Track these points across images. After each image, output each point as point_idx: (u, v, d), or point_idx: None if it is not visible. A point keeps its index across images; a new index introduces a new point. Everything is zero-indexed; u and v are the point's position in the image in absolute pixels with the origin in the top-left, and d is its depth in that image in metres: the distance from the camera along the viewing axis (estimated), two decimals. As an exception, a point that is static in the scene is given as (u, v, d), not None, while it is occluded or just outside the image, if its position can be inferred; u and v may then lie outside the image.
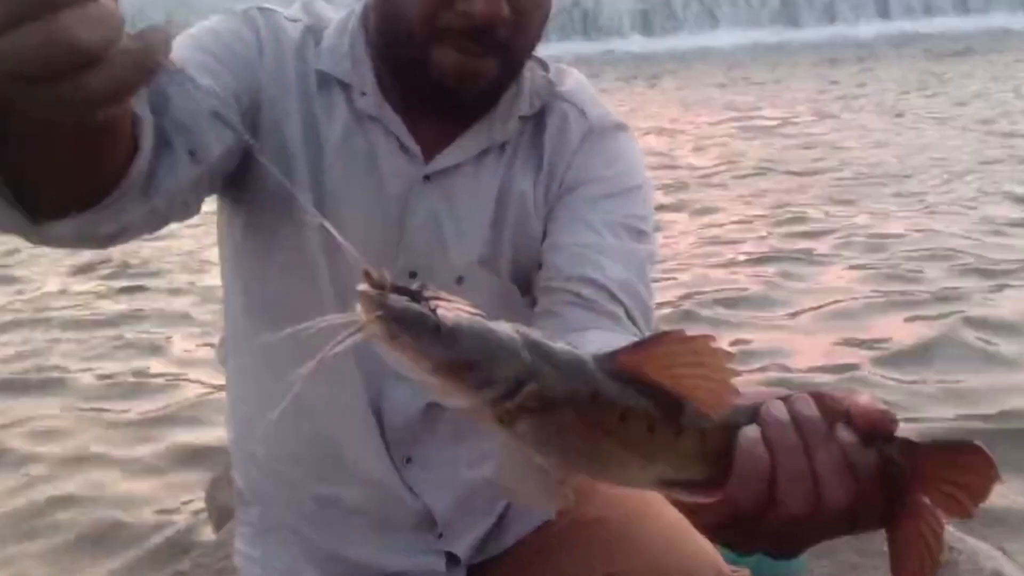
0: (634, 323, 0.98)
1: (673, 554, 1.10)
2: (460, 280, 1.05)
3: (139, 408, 3.57)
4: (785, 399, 0.60)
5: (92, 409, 3.60)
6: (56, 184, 0.70)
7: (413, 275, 1.03)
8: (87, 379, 3.89)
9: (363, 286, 0.54)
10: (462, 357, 0.54)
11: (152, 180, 0.81)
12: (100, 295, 5.14)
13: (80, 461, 3.17)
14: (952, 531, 1.84)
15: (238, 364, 1.16)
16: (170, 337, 4.34)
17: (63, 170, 0.69)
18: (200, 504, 2.74)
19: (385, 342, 0.53)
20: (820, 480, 0.58)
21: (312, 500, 1.12)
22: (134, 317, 4.69)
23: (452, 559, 1.15)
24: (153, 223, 0.87)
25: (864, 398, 0.59)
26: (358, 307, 0.54)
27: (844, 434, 0.58)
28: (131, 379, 3.87)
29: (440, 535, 1.13)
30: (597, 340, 0.89)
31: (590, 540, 1.14)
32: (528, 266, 1.08)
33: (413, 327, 0.53)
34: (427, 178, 1.04)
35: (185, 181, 0.87)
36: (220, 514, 2.55)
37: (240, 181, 1.02)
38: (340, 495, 1.10)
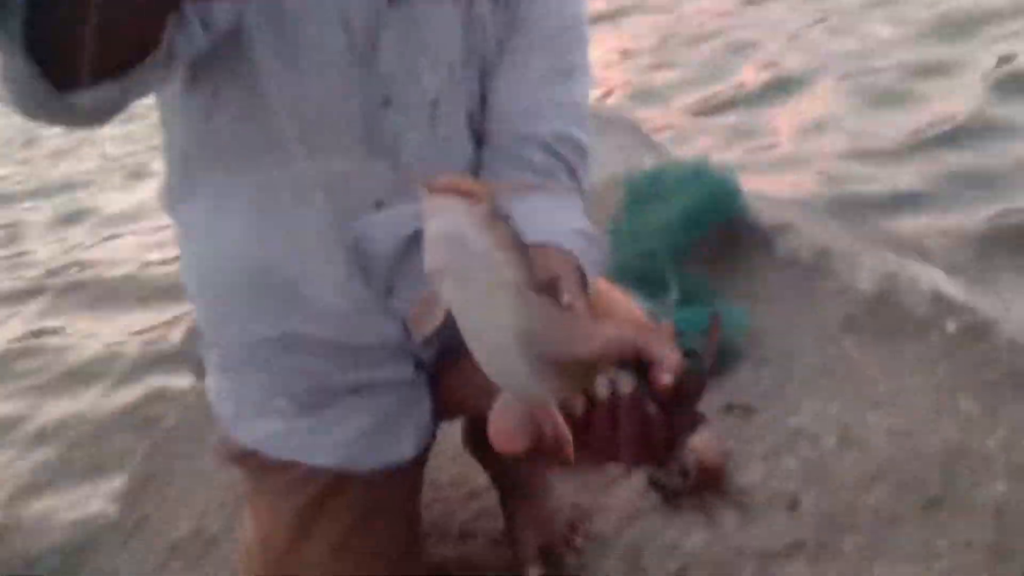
0: (573, 174, 1.09)
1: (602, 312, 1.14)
2: (435, 103, 1.06)
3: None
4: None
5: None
6: (106, 49, 0.72)
7: (387, 102, 1.04)
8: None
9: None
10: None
11: (171, 50, 0.83)
12: None
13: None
14: (892, 258, 1.91)
15: (190, 209, 1.14)
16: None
17: (118, 36, 0.72)
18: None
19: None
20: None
21: (275, 333, 1.13)
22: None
23: (418, 364, 1.20)
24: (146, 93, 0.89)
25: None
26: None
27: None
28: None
29: (417, 345, 1.17)
30: (526, 212, 0.95)
31: None
32: (484, 93, 1.11)
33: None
34: (390, 3, 1.01)
35: (195, 52, 0.89)
36: (199, 368, 2.61)
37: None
38: (304, 327, 1.12)
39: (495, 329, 0.65)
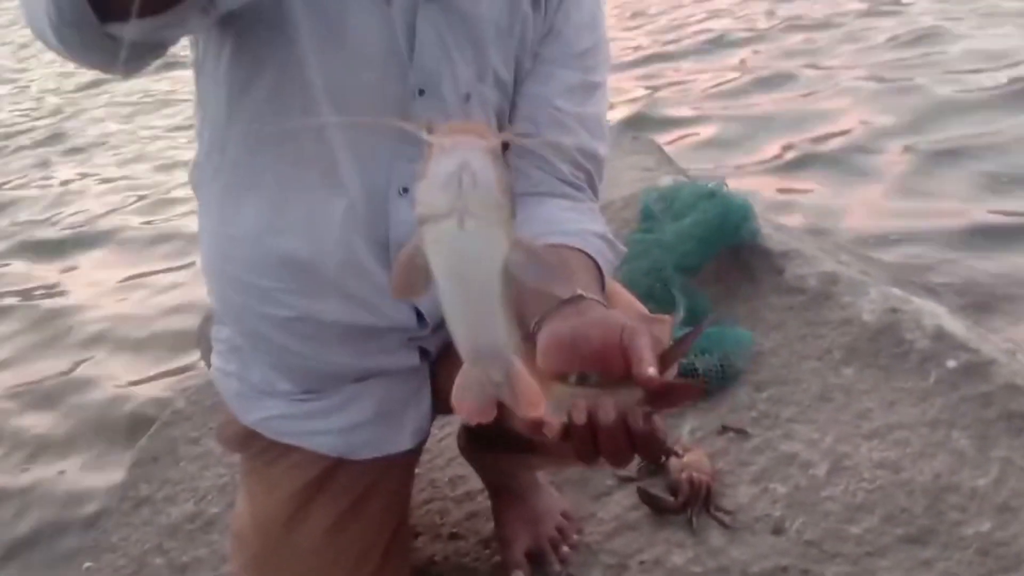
0: (591, 185, 1.18)
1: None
2: (468, 97, 1.11)
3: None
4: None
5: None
6: None
7: (422, 92, 1.08)
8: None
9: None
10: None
11: None
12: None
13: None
14: (897, 292, 1.92)
15: (215, 185, 1.16)
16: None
17: None
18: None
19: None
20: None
21: (287, 314, 1.14)
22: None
23: (424, 353, 1.23)
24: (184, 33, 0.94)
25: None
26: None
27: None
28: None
29: (426, 331, 1.19)
30: (549, 216, 1.09)
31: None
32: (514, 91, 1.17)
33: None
34: None
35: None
36: (210, 349, 2.65)
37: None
38: (317, 310, 1.14)
39: (482, 270, 0.66)
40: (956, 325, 1.80)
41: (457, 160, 0.62)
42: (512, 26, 1.11)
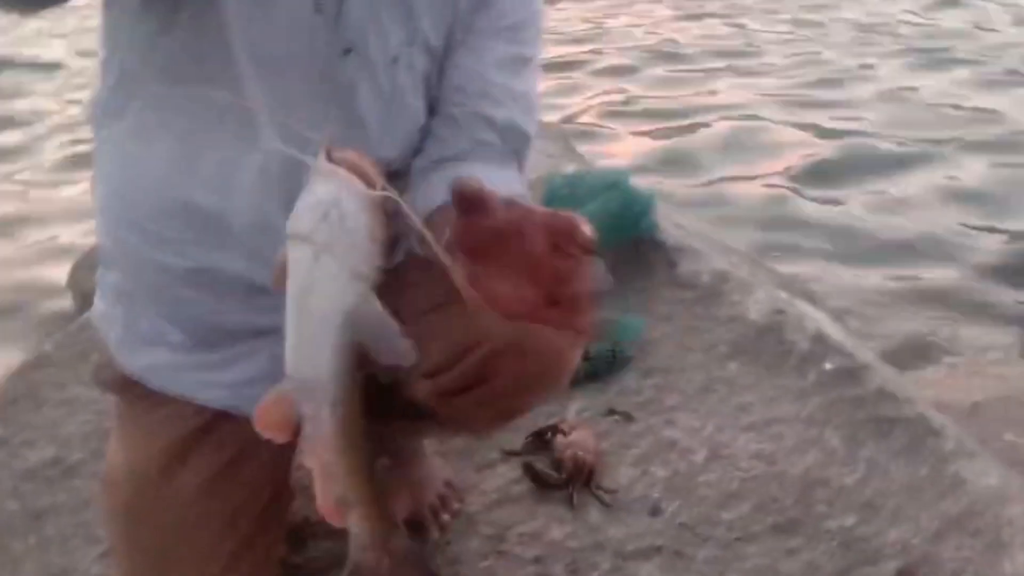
0: (519, 164, 1.15)
1: None
2: (395, 60, 1.06)
3: None
4: None
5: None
6: None
7: (347, 52, 1.03)
8: None
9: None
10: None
11: None
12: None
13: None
14: (783, 295, 2.00)
15: (119, 124, 1.10)
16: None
17: None
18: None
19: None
20: None
21: (187, 265, 1.10)
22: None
23: None
24: None
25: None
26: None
27: None
28: None
29: None
30: (471, 170, 1.04)
31: (439, 274, 1.20)
32: (443, 61, 1.13)
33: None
34: None
35: None
36: (84, 299, 2.53)
37: None
38: (219, 263, 1.09)
39: (327, 309, 0.66)
40: (835, 330, 1.88)
41: (333, 194, 0.62)
42: None
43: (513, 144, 1.14)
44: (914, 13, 6.81)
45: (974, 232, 3.35)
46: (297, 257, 0.65)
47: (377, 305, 0.66)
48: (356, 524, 0.80)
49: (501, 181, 1.05)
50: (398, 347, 0.69)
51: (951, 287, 2.89)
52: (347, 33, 1.03)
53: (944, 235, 3.24)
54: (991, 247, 3.20)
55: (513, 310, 0.70)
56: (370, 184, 0.63)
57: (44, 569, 1.47)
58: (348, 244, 0.63)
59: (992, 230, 3.35)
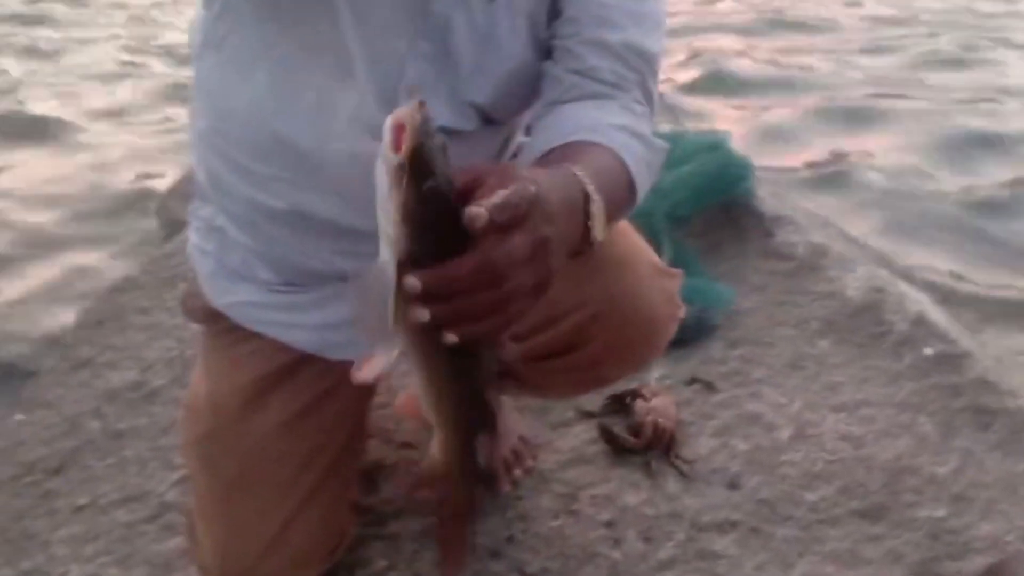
0: (642, 85, 1.03)
1: (610, 246, 1.10)
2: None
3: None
4: None
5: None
6: None
7: None
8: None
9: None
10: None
11: None
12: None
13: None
14: (884, 273, 1.91)
15: (217, 59, 1.08)
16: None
17: None
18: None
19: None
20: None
21: (279, 204, 1.08)
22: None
23: None
24: None
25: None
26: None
27: None
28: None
29: None
30: (561, 119, 0.98)
31: None
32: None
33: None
34: None
35: None
36: (171, 227, 2.56)
37: None
38: (311, 204, 1.07)
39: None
40: (937, 314, 1.79)
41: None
42: None
43: (633, 65, 1.03)
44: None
45: None
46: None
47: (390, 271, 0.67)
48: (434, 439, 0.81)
49: (593, 119, 0.98)
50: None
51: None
52: None
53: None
54: None
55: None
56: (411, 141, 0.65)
57: (121, 490, 1.50)
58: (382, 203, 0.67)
59: None
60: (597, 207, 0.79)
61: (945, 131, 3.74)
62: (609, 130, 0.95)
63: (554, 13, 1.05)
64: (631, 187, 0.94)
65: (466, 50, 1.01)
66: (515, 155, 1.19)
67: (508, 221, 0.65)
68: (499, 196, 0.65)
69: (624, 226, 1.19)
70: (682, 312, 1.22)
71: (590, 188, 0.79)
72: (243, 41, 1.04)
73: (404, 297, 0.66)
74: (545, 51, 1.05)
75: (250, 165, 1.07)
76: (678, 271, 1.23)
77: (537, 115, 1.04)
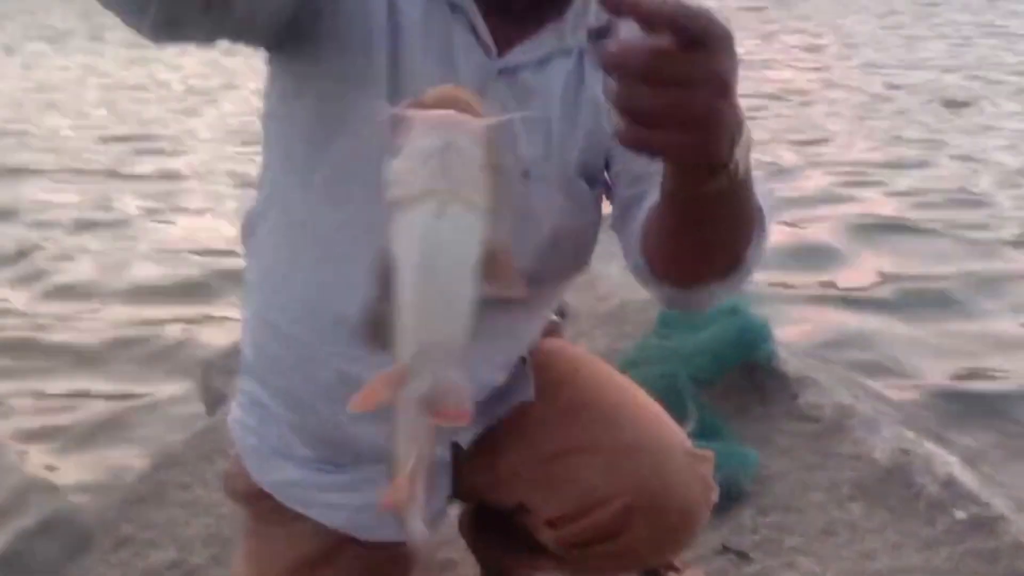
0: None
1: (643, 432, 1.18)
2: (526, 174, 1.07)
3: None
4: None
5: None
6: None
7: None
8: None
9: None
10: None
11: None
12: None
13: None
14: (910, 435, 1.92)
15: (280, 234, 1.14)
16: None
17: None
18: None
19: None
20: None
21: (330, 375, 1.11)
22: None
23: (455, 447, 1.21)
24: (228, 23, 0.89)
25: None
26: None
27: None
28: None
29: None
30: None
31: (565, 420, 1.20)
32: (596, 164, 1.11)
33: None
34: (500, 72, 1.06)
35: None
36: (213, 397, 2.64)
37: (308, 53, 1.02)
38: (359, 371, 1.05)
39: (464, 257, 0.60)
40: (967, 475, 1.79)
41: (441, 136, 0.57)
42: (577, 103, 1.08)
43: None
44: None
45: None
46: (414, 220, 0.59)
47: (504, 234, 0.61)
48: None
49: None
50: (514, 281, 0.64)
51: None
52: None
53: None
54: None
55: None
56: (470, 112, 0.59)
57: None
58: (472, 183, 0.58)
59: None
60: (747, 132, 0.74)
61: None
62: None
63: (590, 177, 1.10)
64: (757, 201, 0.90)
65: None
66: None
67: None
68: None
69: (656, 410, 1.24)
70: (716, 495, 1.24)
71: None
72: (295, 223, 1.11)
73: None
74: (582, 215, 1.11)
75: (300, 336, 1.11)
76: (710, 453, 1.24)
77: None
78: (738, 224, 0.89)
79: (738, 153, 0.72)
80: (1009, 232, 4.37)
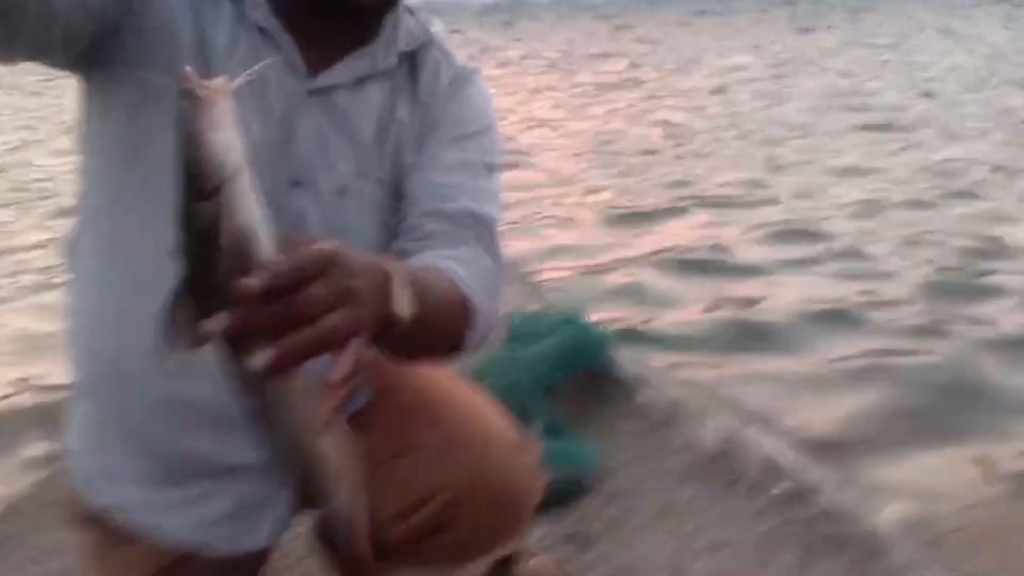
0: (482, 240, 1.12)
1: (470, 425, 1.24)
2: (343, 190, 1.12)
3: None
4: None
5: None
6: None
7: (297, 184, 1.09)
8: None
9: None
10: None
11: None
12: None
13: None
14: (734, 424, 2.09)
15: (95, 259, 1.14)
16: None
17: None
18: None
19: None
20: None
21: (158, 395, 1.12)
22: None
23: None
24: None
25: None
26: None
27: None
28: None
29: None
30: (424, 258, 1.05)
31: (397, 422, 1.25)
32: (399, 186, 1.16)
33: None
34: (311, 93, 1.10)
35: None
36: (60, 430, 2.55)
37: (112, 74, 1.04)
38: (189, 390, 1.11)
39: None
40: (784, 455, 1.96)
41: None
42: (390, 120, 1.15)
43: (470, 226, 1.12)
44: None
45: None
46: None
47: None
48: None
49: (447, 260, 1.06)
50: None
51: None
52: (295, 166, 1.10)
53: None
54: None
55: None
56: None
57: None
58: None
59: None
60: (398, 282, 0.82)
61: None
62: (433, 259, 1.04)
63: (398, 197, 1.16)
64: (459, 293, 1.01)
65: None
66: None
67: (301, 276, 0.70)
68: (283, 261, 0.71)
69: (481, 407, 1.29)
70: (543, 482, 1.30)
71: (388, 267, 0.82)
72: (108, 249, 1.12)
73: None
74: (394, 234, 1.15)
75: (122, 361, 1.12)
76: (535, 443, 1.31)
77: None
78: (434, 334, 0.97)
79: (396, 306, 0.80)
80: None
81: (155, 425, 1.16)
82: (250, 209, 0.72)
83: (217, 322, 0.70)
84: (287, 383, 0.77)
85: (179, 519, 1.20)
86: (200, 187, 0.71)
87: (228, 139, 0.72)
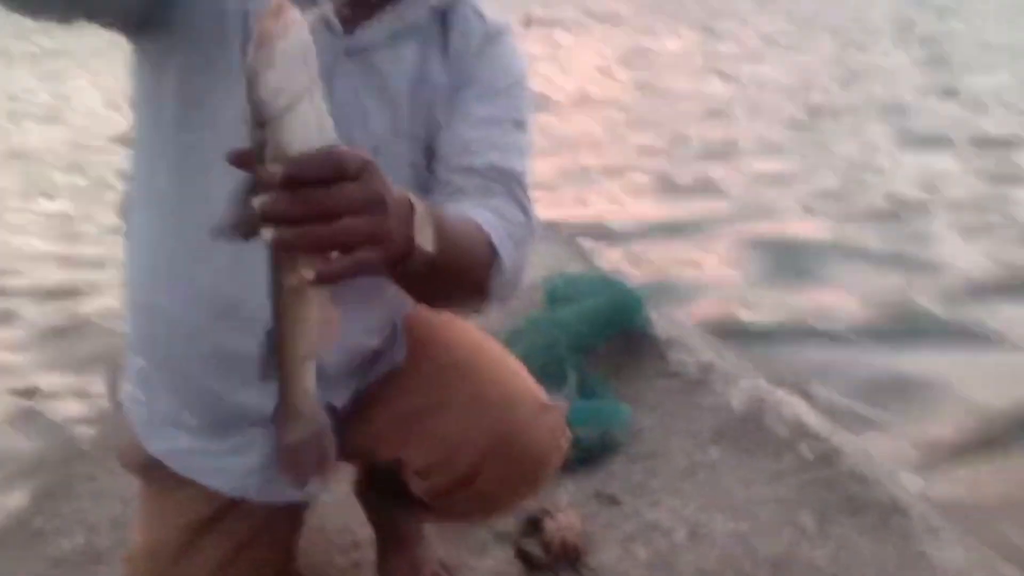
0: (511, 197, 1.13)
1: (498, 386, 1.30)
2: (377, 150, 1.11)
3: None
4: None
5: None
6: None
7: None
8: None
9: None
10: None
11: None
12: None
13: None
14: (762, 383, 2.12)
15: (149, 219, 1.18)
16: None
17: None
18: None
19: None
20: None
21: (208, 346, 1.17)
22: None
23: (331, 409, 1.28)
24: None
25: None
26: None
27: None
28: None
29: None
30: (453, 208, 1.07)
31: (429, 380, 1.32)
32: (431, 144, 1.19)
33: None
34: (348, 53, 1.13)
35: None
36: (115, 382, 2.69)
37: (164, 40, 1.09)
38: (237, 343, 1.16)
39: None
40: (812, 417, 2.00)
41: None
42: (422, 76, 1.17)
43: (499, 181, 1.13)
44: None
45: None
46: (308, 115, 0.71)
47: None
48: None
49: (476, 208, 1.09)
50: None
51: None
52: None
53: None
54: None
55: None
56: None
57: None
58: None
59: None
60: (420, 217, 0.85)
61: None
62: (462, 208, 1.07)
63: (431, 155, 1.19)
64: (484, 236, 1.03)
65: None
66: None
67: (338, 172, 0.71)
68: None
69: (512, 366, 1.35)
70: (567, 442, 1.35)
71: (414, 199, 0.85)
72: (164, 203, 1.16)
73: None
74: (426, 192, 1.15)
75: (177, 314, 1.18)
76: (561, 404, 1.38)
77: None
78: (457, 275, 0.98)
79: (420, 238, 0.82)
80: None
81: (203, 376, 1.22)
82: (306, 138, 0.72)
83: (258, 203, 0.71)
84: (305, 306, 0.82)
85: (222, 467, 1.28)
86: (257, 117, 0.72)
87: (283, 75, 0.71)
